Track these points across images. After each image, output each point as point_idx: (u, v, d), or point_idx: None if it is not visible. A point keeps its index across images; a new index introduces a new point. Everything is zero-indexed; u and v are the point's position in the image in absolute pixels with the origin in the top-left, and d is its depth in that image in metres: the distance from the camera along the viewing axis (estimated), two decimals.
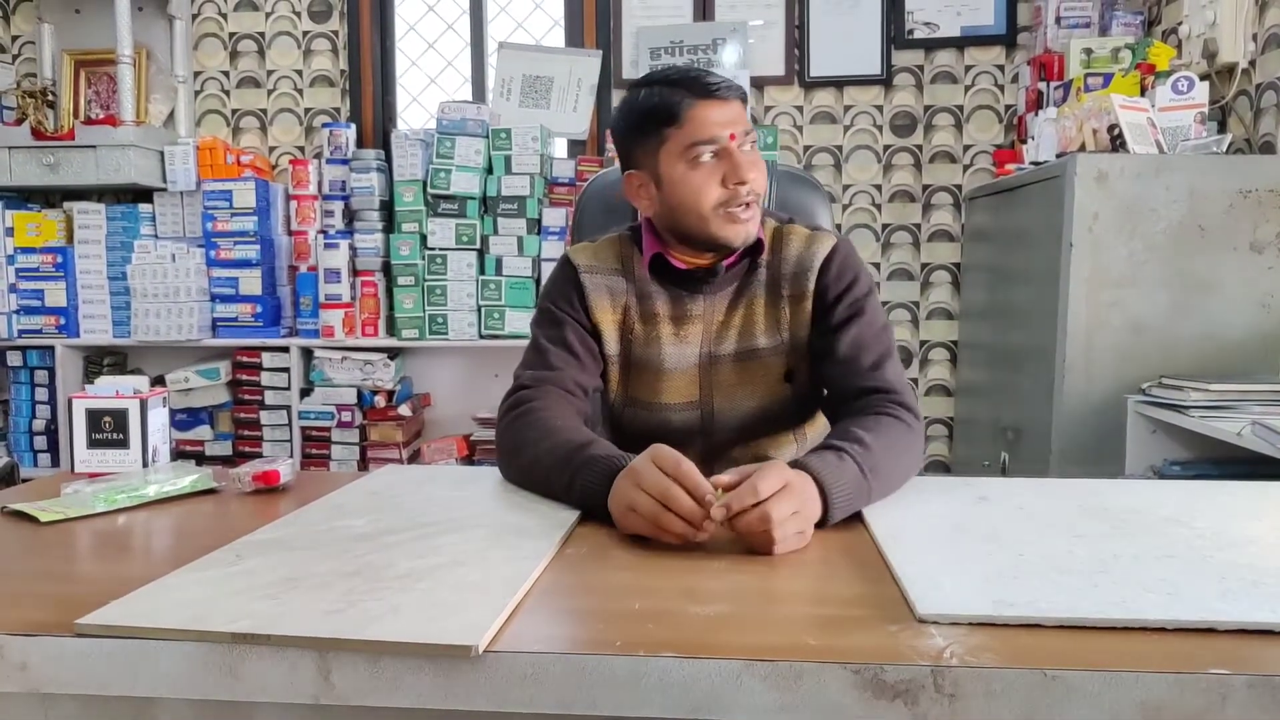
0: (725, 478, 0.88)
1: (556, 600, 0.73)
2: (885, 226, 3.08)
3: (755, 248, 1.23)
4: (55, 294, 2.97)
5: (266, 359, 2.94)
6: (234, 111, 3.24)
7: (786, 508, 0.84)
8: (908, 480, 1.05)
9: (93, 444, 1.16)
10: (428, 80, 3.30)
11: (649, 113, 1.18)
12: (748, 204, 1.16)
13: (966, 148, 3.03)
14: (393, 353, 2.97)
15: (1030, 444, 2.32)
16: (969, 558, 0.80)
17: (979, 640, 0.63)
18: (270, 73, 3.22)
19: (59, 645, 0.64)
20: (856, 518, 0.94)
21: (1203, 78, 2.28)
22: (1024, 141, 2.76)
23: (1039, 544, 0.83)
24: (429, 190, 2.87)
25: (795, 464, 0.91)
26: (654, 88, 1.18)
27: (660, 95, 1.17)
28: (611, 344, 1.26)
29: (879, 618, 0.68)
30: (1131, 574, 0.75)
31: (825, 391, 1.29)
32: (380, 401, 2.90)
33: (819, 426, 1.37)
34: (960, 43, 3.00)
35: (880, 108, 3.05)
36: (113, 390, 1.17)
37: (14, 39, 3.26)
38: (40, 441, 3.04)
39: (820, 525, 0.90)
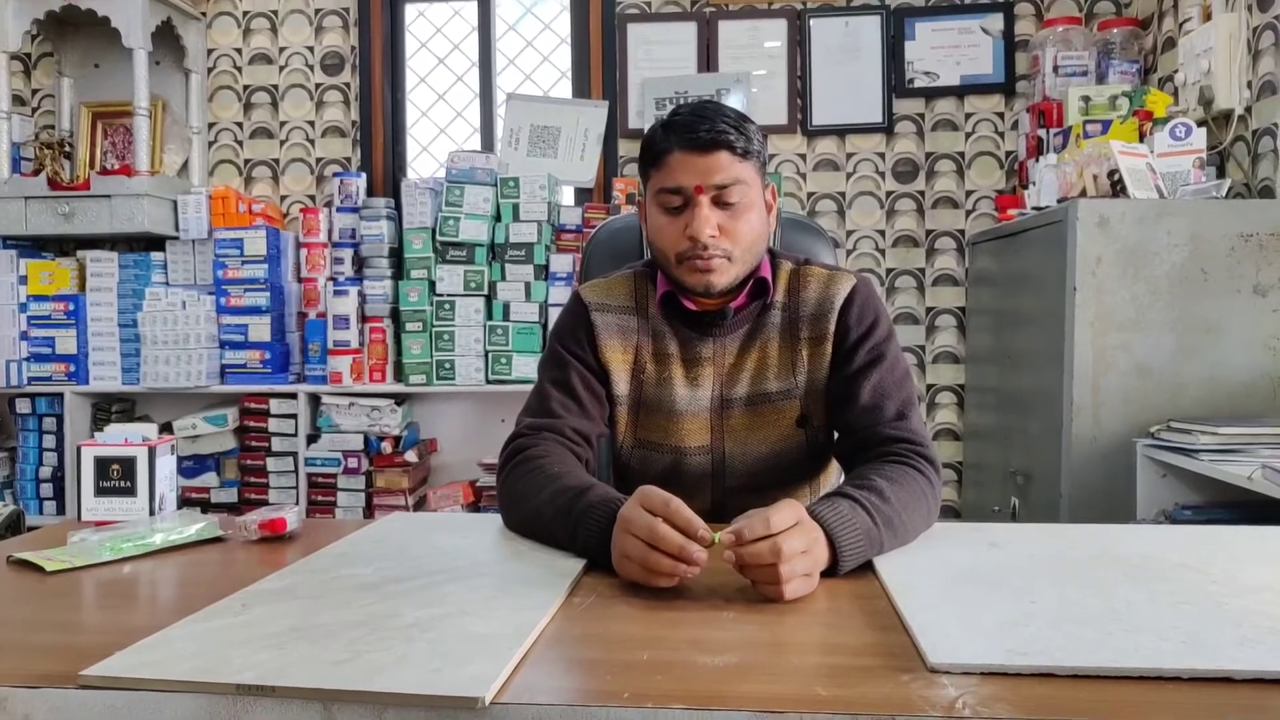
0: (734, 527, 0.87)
1: (563, 651, 0.73)
2: (889, 271, 3.09)
3: (763, 290, 1.23)
4: (66, 341, 2.99)
5: (274, 405, 2.95)
6: (246, 161, 3.29)
7: (797, 544, 0.83)
8: (921, 534, 1.03)
9: (100, 492, 1.16)
10: (437, 130, 3.35)
11: (644, 150, 1.20)
12: (707, 258, 1.15)
13: (969, 193, 3.06)
14: (400, 398, 2.98)
15: (1040, 488, 2.30)
16: (980, 606, 0.79)
17: (991, 690, 0.62)
18: (283, 123, 3.28)
19: (63, 697, 0.64)
20: (866, 565, 0.93)
21: (1200, 124, 2.31)
22: (1025, 187, 2.78)
23: (1051, 591, 0.83)
24: (438, 237, 2.90)
25: (807, 510, 0.90)
26: (656, 126, 1.19)
27: (654, 135, 1.18)
28: (621, 384, 1.25)
29: (890, 667, 0.67)
30: (1145, 622, 0.74)
31: (836, 435, 1.26)
32: (387, 448, 2.90)
33: (833, 474, 1.35)
34: (960, 91, 3.04)
35: (882, 155, 3.08)
36: (121, 438, 1.17)
37: (34, 92, 3.33)
38: (46, 489, 3.03)
39: (830, 574, 0.89)
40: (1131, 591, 0.82)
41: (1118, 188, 2.14)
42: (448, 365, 2.89)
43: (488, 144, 3.27)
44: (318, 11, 3.24)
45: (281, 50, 3.26)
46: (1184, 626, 0.73)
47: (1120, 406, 2.09)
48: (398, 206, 3.00)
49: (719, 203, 1.15)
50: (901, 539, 0.99)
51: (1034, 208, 2.49)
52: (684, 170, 1.14)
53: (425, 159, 3.37)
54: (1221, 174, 2.34)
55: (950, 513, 3.05)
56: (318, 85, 3.26)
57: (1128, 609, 0.77)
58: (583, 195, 3.17)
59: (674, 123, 1.16)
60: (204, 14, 3.24)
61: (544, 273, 2.90)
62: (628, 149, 3.14)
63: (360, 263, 3.01)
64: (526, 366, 2.85)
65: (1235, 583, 0.85)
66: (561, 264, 2.89)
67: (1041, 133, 2.76)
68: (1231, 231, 2.06)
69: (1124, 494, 2.02)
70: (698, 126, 1.14)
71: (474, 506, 2.93)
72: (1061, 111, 2.70)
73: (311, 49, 3.25)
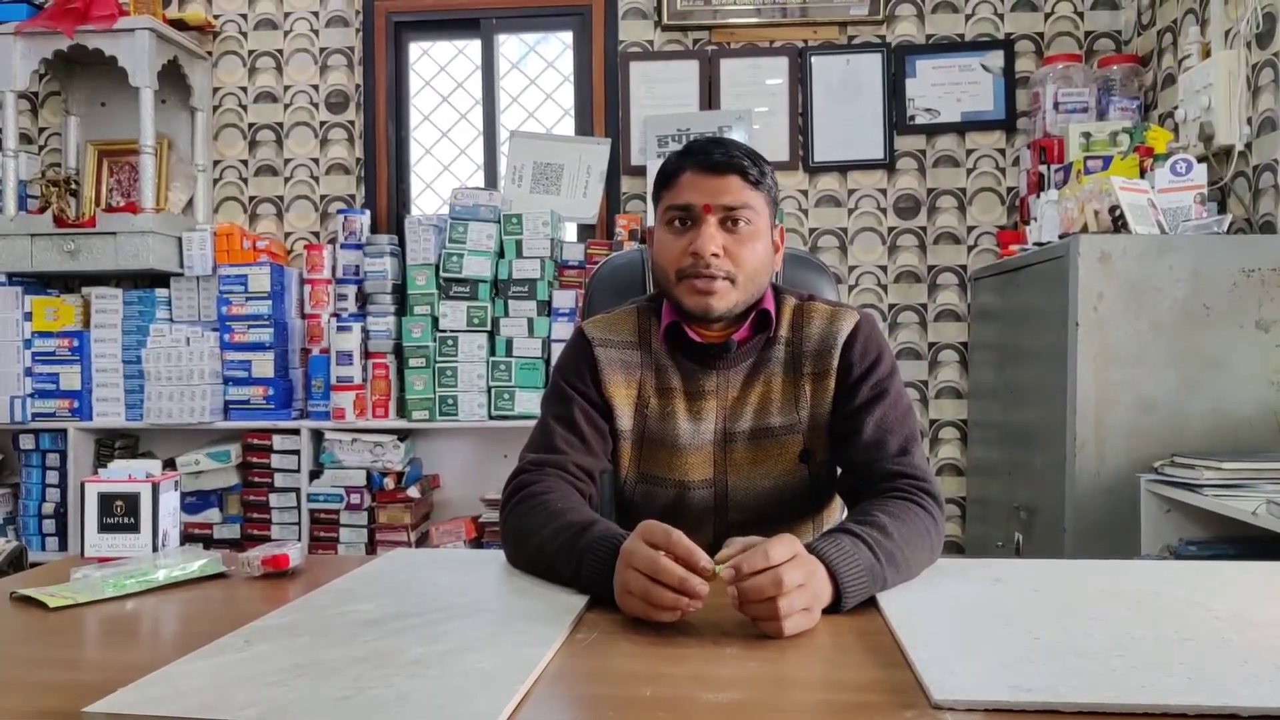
0: (730, 550, 0.88)
1: (566, 687, 0.72)
2: (891, 307, 3.11)
3: (765, 323, 1.24)
4: (70, 377, 3.00)
5: (277, 441, 2.95)
6: (251, 198, 3.33)
7: (797, 577, 0.83)
8: (924, 570, 1.03)
9: (103, 528, 1.16)
10: (441, 167, 3.39)
11: (659, 173, 1.23)
12: (709, 277, 1.16)
13: (970, 229, 3.08)
14: (402, 434, 2.98)
15: (1044, 523, 2.29)
16: (984, 641, 0.79)
17: None
18: (287, 161, 3.31)
19: None
20: (870, 601, 0.93)
21: (1200, 160, 2.33)
22: (1027, 222, 2.80)
23: (1055, 627, 0.82)
24: (441, 274, 2.92)
25: (808, 547, 0.90)
26: (673, 153, 1.23)
27: (671, 158, 1.22)
28: (625, 419, 1.25)
29: (893, 704, 0.66)
30: (1151, 657, 0.74)
31: (840, 471, 1.27)
32: (389, 483, 2.90)
33: (836, 510, 1.35)
34: (961, 128, 3.07)
35: (884, 191, 3.11)
36: (125, 474, 1.17)
37: (41, 130, 3.37)
38: (49, 525, 3.02)
39: (833, 611, 0.89)
40: (1136, 627, 0.82)
41: (1119, 223, 2.15)
42: (450, 401, 2.90)
43: (491, 181, 3.31)
44: (322, 50, 3.29)
45: (286, 89, 3.31)
46: (1189, 663, 0.72)
47: (1124, 441, 2.08)
48: (401, 243, 3.03)
49: (726, 225, 1.17)
50: (904, 575, 0.98)
51: (1035, 243, 2.50)
52: (694, 190, 1.17)
53: (429, 196, 3.40)
54: (1223, 210, 2.36)
55: (954, 548, 3.03)
56: (322, 123, 3.30)
57: (1133, 645, 0.77)
58: (585, 231, 3.19)
59: (690, 147, 1.21)
60: (210, 53, 3.30)
61: (547, 308, 2.91)
62: (630, 186, 3.17)
63: (364, 299, 3.03)
64: (529, 402, 2.85)
65: (1241, 618, 0.85)
66: (564, 300, 2.90)
67: (1042, 169, 2.78)
68: (1233, 267, 2.07)
69: (1128, 529, 2.01)
70: (712, 150, 1.18)
71: (476, 542, 2.91)
72: (1062, 148, 2.73)
73: (316, 87, 3.30)
